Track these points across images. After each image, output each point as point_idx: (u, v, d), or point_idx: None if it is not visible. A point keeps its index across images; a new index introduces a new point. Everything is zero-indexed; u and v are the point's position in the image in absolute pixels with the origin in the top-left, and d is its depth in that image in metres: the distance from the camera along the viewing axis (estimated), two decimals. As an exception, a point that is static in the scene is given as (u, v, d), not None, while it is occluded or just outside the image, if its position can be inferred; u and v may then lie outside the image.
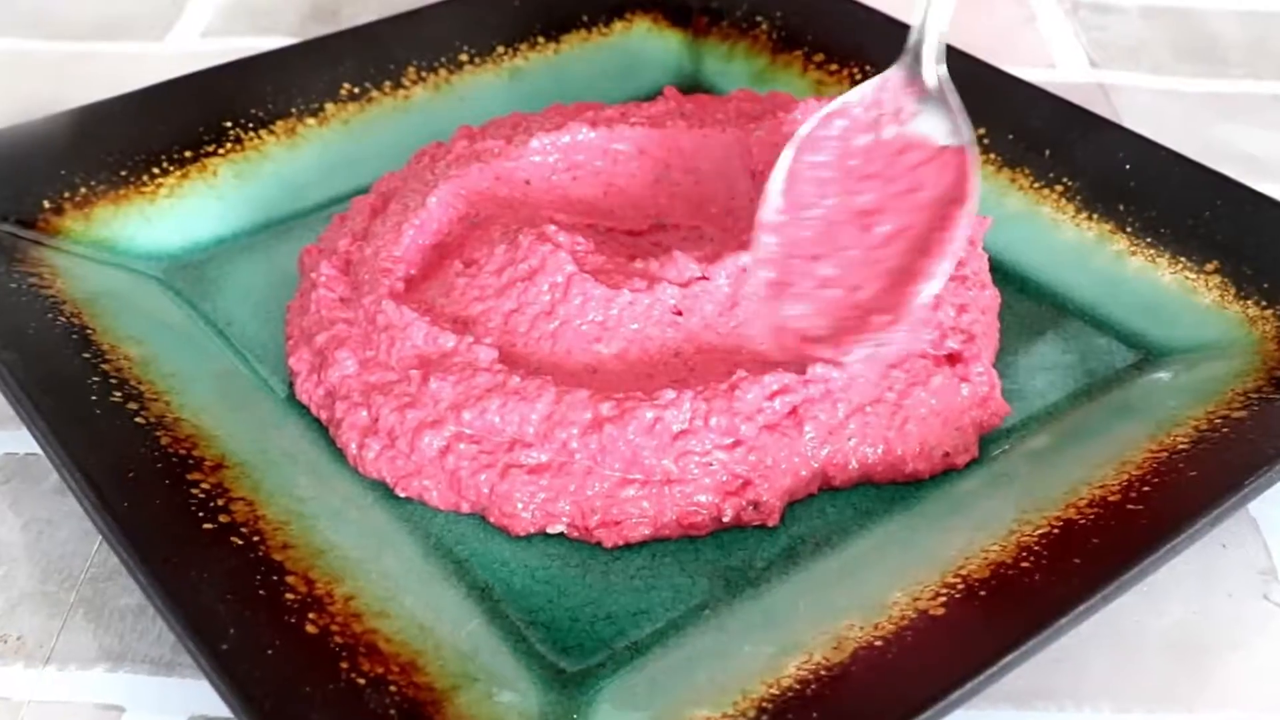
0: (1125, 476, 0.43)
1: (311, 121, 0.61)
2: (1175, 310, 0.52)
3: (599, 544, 0.44)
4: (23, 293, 0.49)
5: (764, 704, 0.36)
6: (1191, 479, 0.42)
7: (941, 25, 0.48)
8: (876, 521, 0.45)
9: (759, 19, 0.68)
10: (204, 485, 0.42)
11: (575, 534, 0.44)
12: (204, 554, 0.39)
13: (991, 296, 0.52)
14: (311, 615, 0.38)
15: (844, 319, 0.46)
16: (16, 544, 0.46)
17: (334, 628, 0.37)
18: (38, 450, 0.48)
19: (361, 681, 0.36)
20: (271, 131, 0.60)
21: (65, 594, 0.44)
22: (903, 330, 0.46)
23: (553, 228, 0.50)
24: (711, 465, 0.44)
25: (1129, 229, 0.54)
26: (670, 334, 0.47)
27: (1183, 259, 0.53)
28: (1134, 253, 0.54)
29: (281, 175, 0.59)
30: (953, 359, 0.48)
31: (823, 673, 0.37)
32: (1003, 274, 0.54)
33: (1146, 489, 0.42)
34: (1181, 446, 0.44)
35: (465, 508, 0.45)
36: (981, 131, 0.57)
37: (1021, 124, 0.59)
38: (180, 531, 0.40)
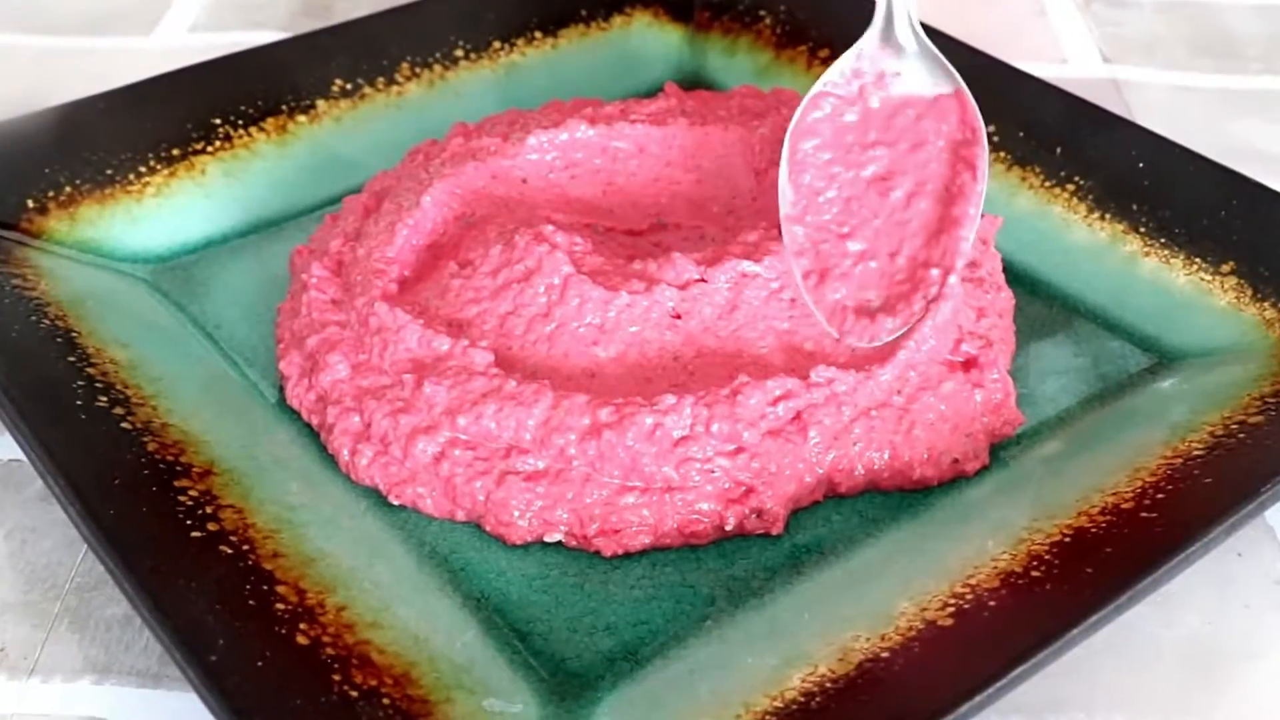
0: (1139, 483, 0.43)
1: (303, 119, 0.61)
2: (1190, 313, 0.52)
3: (598, 553, 0.44)
4: (5, 295, 0.49)
5: (767, 717, 0.36)
6: (1207, 486, 0.42)
7: None
8: (883, 530, 0.45)
9: (762, 13, 0.68)
10: (192, 492, 0.42)
11: (573, 543, 0.44)
12: (192, 563, 0.39)
13: (1007, 299, 0.52)
14: (302, 626, 0.38)
15: (893, 285, 0.48)
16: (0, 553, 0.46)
17: (325, 639, 0.38)
18: (21, 456, 0.48)
19: (354, 694, 0.36)
20: (262, 129, 0.60)
21: (49, 604, 0.44)
22: (957, 283, 0.48)
23: (550, 228, 0.50)
24: (713, 472, 0.44)
25: (1142, 229, 0.54)
26: (669, 337, 0.48)
27: (1198, 260, 0.53)
28: (1148, 254, 0.54)
29: (272, 174, 0.59)
30: (968, 364, 0.48)
31: (828, 685, 0.37)
32: (1013, 276, 0.54)
33: (1161, 496, 0.42)
34: (1197, 453, 0.44)
35: (460, 516, 0.45)
36: (991, 129, 0.58)
37: (1032, 121, 0.59)
38: (168, 540, 0.40)
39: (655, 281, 0.48)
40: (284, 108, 0.61)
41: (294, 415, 0.48)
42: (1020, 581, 0.39)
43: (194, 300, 0.54)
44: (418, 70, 0.65)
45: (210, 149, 0.59)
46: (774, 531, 0.44)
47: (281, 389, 0.49)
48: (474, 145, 0.56)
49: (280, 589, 0.39)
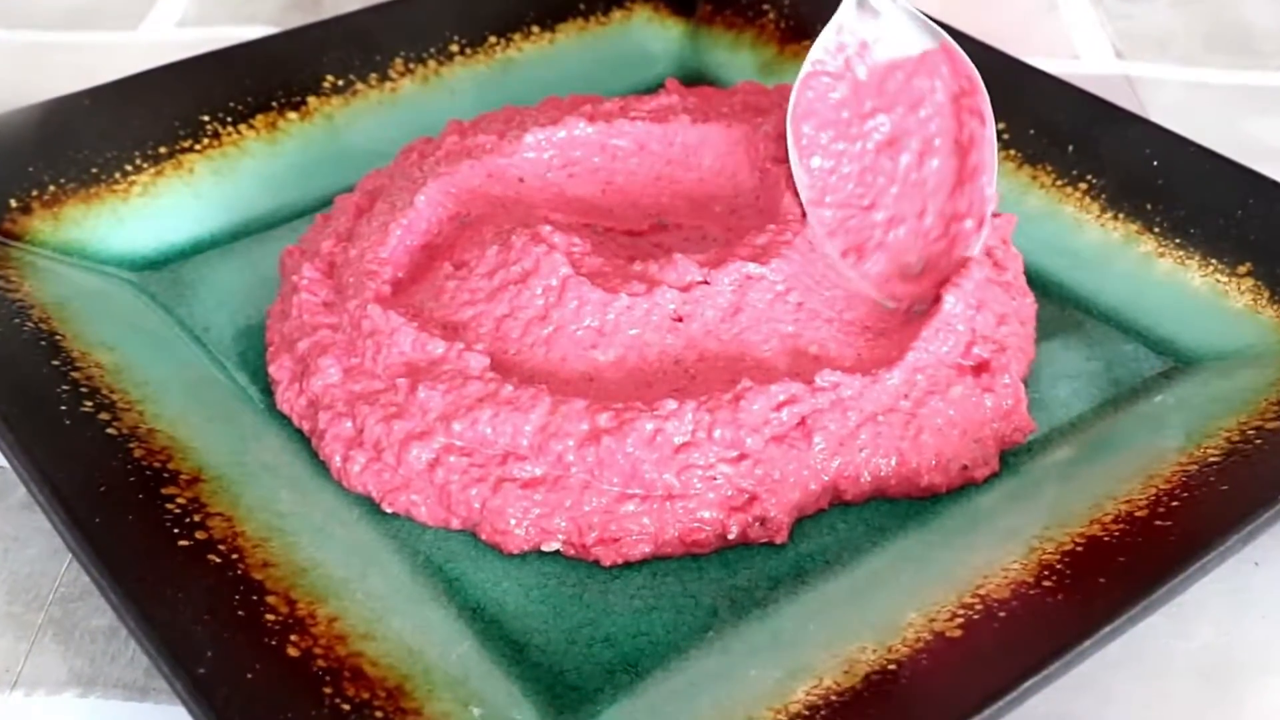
0: (1153, 491, 0.43)
1: (293, 116, 0.61)
2: (1206, 315, 0.52)
3: (597, 562, 0.44)
4: (-12, 297, 0.49)
5: (771, 731, 0.36)
6: (1223, 493, 0.42)
7: None
8: (890, 538, 0.45)
9: (765, 7, 0.68)
10: (180, 500, 0.42)
11: (572, 552, 0.44)
12: (180, 572, 0.39)
13: (1030, 305, 0.52)
14: (293, 637, 0.38)
15: (930, 244, 0.50)
16: (-19, 562, 0.46)
17: (317, 650, 0.38)
18: (3, 463, 0.48)
19: (346, 707, 0.36)
20: (251, 126, 0.60)
21: (33, 615, 0.44)
22: (986, 231, 0.50)
23: (548, 228, 0.50)
24: (716, 479, 0.44)
25: (1157, 229, 0.55)
26: (670, 340, 0.48)
27: (1214, 261, 0.53)
28: (1162, 254, 0.54)
29: (261, 172, 0.60)
30: (978, 368, 0.48)
31: (833, 698, 0.37)
32: (1024, 277, 0.54)
33: (1175, 504, 0.42)
34: (1212, 459, 0.44)
35: (455, 524, 0.45)
36: (1001, 126, 0.58)
37: (1043, 118, 0.59)
38: (155, 549, 0.40)
39: (656, 283, 0.48)
40: (274, 104, 0.61)
41: (284, 420, 0.48)
42: (1031, 592, 0.39)
43: (182, 302, 0.54)
44: (411, 66, 0.65)
45: (198, 147, 0.59)
46: (778, 540, 0.44)
47: (271, 394, 0.49)
48: (469, 143, 0.56)
49: (270, 599, 0.39)
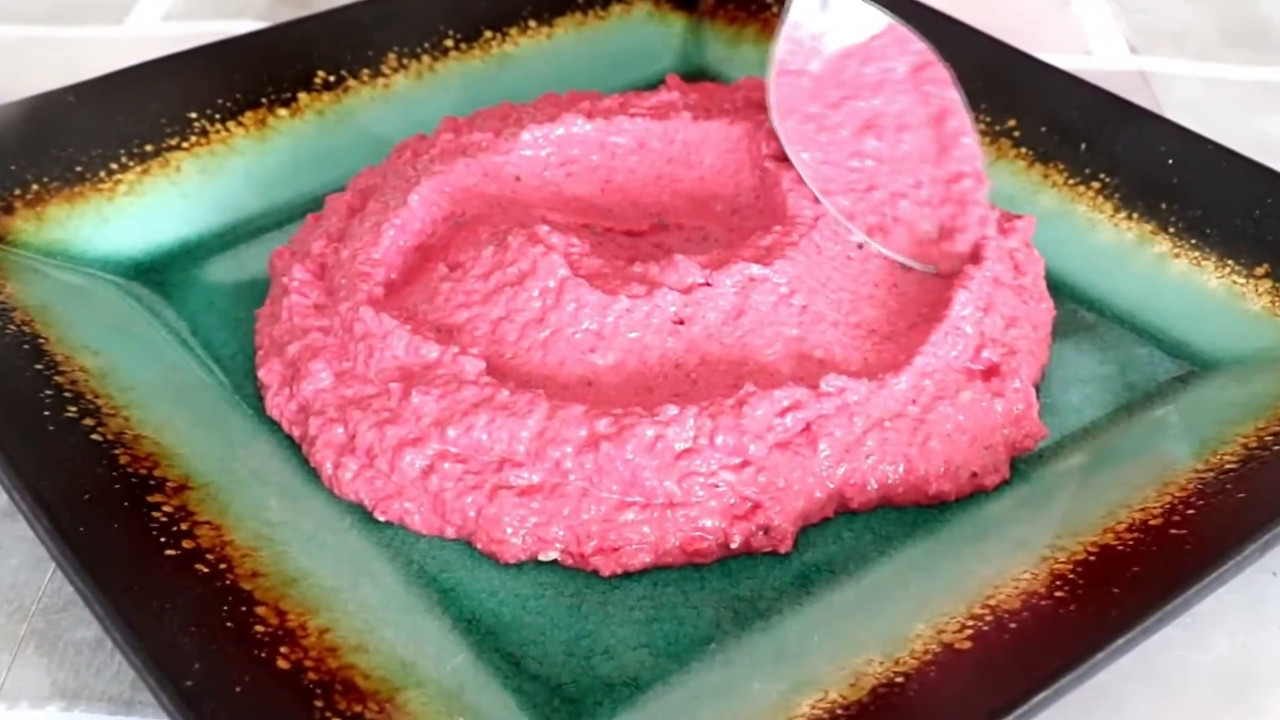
0: (1168, 499, 0.43)
1: (283, 112, 0.61)
2: (1222, 317, 0.52)
3: (595, 572, 0.44)
4: (-31, 299, 0.49)
5: (775, 746, 0.36)
6: (1240, 501, 0.42)
7: None
8: (897, 547, 0.45)
9: (768, 1, 0.68)
10: (166, 508, 0.42)
11: (569, 561, 0.44)
12: (167, 583, 0.39)
13: (1047, 310, 0.52)
14: (283, 649, 0.38)
15: (939, 208, 0.52)
16: (-38, 572, 0.46)
17: (307, 663, 0.38)
18: (-15, 470, 0.48)
19: (337, 721, 0.36)
20: (240, 124, 0.60)
21: (15, 626, 0.44)
22: (988, 182, 0.53)
23: (545, 228, 0.50)
24: (718, 487, 0.44)
25: (1172, 229, 0.55)
26: (671, 344, 0.48)
27: (1230, 262, 0.53)
28: (1177, 255, 0.54)
29: (251, 171, 0.60)
30: (988, 373, 0.48)
31: (839, 712, 0.37)
32: (1035, 278, 0.55)
33: (1191, 512, 0.42)
34: (1229, 466, 0.44)
35: (450, 533, 0.45)
36: (1012, 123, 0.58)
37: (1055, 115, 0.59)
38: (141, 558, 0.40)
39: (657, 285, 0.48)
40: (263, 101, 0.61)
41: (274, 426, 0.48)
42: (1043, 602, 0.39)
43: (168, 305, 0.54)
44: (405, 61, 0.65)
45: (186, 145, 0.59)
46: (782, 549, 0.44)
47: (261, 398, 0.49)
48: (464, 141, 0.56)
49: (260, 610, 0.39)
